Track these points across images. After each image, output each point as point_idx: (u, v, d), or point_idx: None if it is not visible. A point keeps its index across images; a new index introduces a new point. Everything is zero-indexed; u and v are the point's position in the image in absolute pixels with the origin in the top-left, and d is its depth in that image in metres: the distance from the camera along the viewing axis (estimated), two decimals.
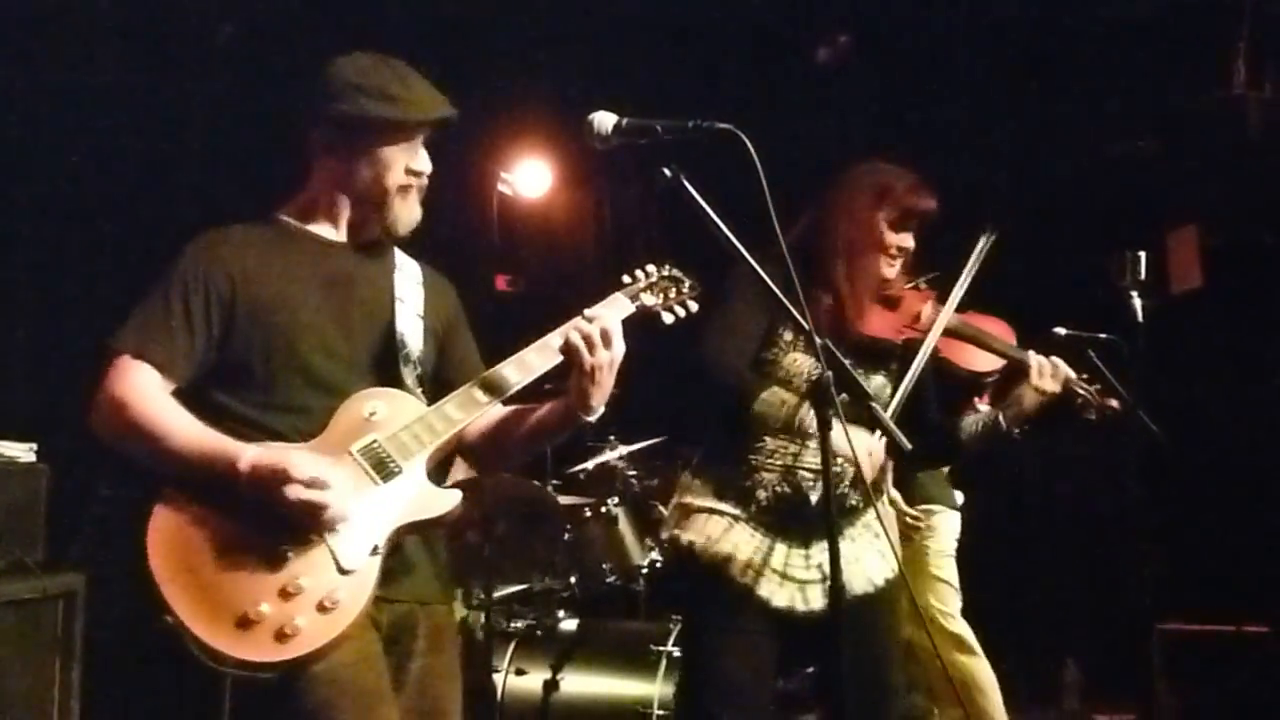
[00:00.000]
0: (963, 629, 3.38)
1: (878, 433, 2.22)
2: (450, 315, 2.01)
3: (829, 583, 2.16)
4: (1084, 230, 4.55)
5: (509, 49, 4.71)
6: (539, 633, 3.46)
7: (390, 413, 1.80)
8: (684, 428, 3.71)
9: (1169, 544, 2.94)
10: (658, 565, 3.72)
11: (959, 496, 3.62)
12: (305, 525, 1.69)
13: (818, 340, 1.77)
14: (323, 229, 1.91)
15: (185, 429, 1.71)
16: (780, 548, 2.28)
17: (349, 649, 1.69)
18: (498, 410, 1.91)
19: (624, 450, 4.00)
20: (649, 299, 1.95)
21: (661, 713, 3.13)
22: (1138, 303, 2.83)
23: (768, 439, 2.30)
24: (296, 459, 1.68)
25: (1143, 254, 2.87)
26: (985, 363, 2.44)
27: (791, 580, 2.27)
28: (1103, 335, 2.73)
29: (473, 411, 1.83)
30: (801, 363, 2.28)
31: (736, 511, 2.29)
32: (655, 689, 3.16)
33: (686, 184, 1.78)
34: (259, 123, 4.04)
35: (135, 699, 3.37)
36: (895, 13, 4.59)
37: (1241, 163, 4.19)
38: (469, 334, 2.04)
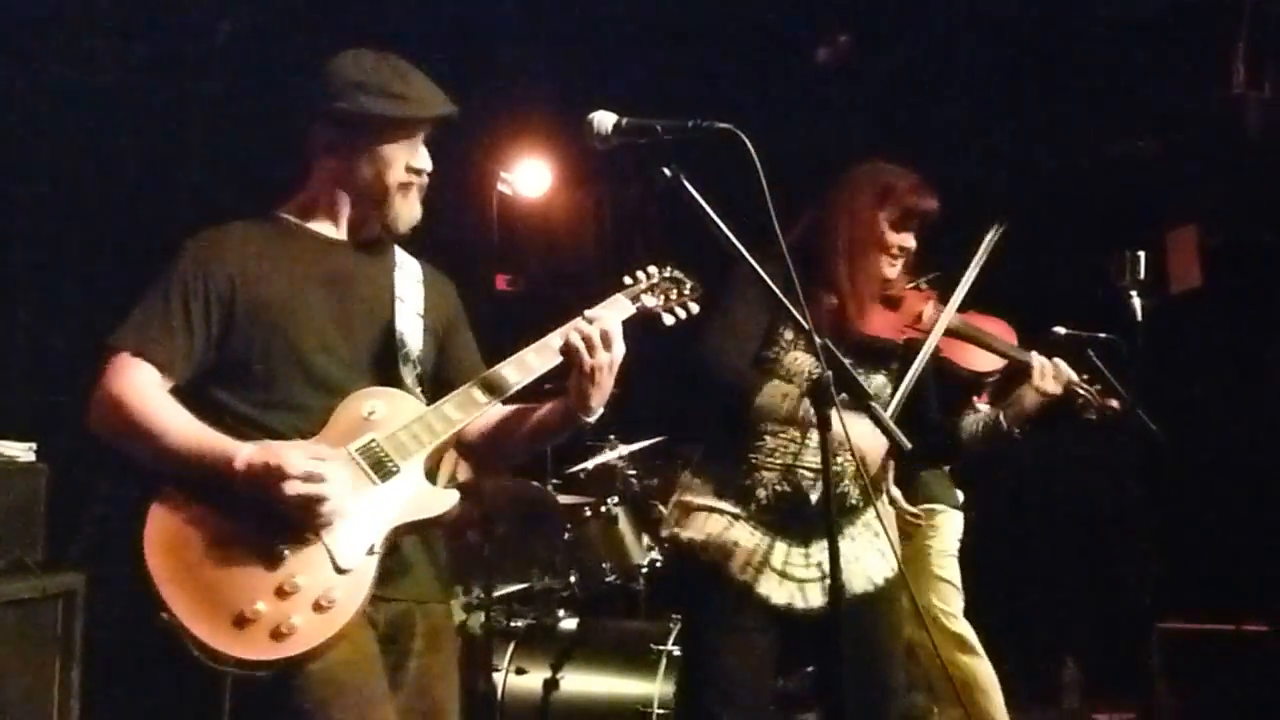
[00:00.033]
0: (965, 629, 3.38)
1: (892, 393, 2.23)
2: (450, 314, 2.01)
3: (828, 581, 2.16)
4: (1083, 230, 4.55)
5: (509, 49, 4.71)
6: (539, 632, 3.46)
7: (389, 412, 1.79)
8: (684, 427, 3.71)
9: (1168, 543, 2.94)
10: (657, 564, 3.72)
11: (959, 496, 3.62)
12: (302, 520, 1.68)
13: (817, 340, 1.77)
14: (323, 227, 1.91)
15: (182, 427, 1.71)
16: (780, 546, 2.28)
17: (346, 648, 1.69)
18: (497, 410, 1.91)
19: (624, 450, 4.01)
20: (650, 300, 1.95)
21: (661, 712, 3.13)
22: (1137, 302, 2.83)
23: (768, 438, 2.30)
24: (292, 454, 1.67)
25: (1142, 254, 2.87)
26: (986, 363, 2.44)
27: (791, 578, 2.27)
28: (1102, 335, 2.73)
29: (472, 412, 1.83)
30: (802, 362, 2.28)
31: (736, 510, 2.29)
32: (655, 688, 3.17)
33: (686, 183, 1.78)
34: (259, 122, 4.05)
35: (135, 699, 3.37)
36: (895, 13, 4.59)
37: (1241, 163, 4.20)
38: (469, 333, 2.04)
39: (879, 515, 2.31)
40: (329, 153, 1.87)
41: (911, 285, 2.45)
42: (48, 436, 3.28)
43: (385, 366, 1.86)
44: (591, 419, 1.85)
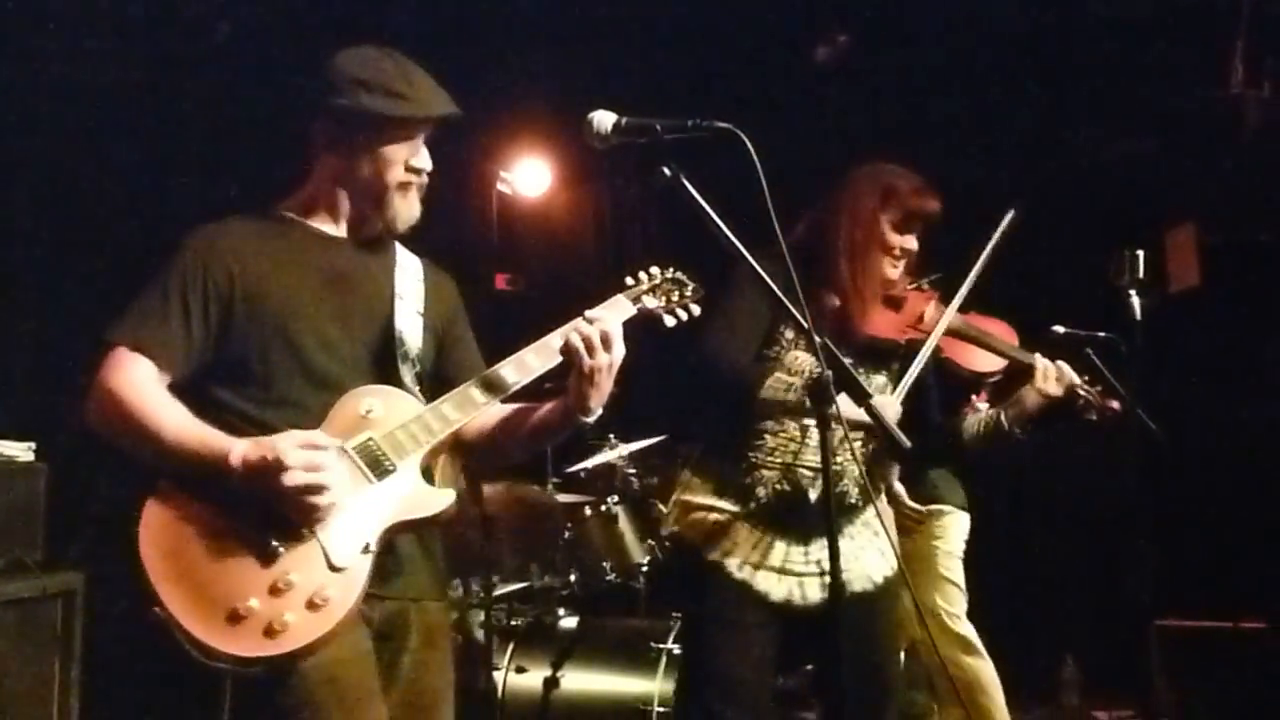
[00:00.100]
0: (968, 630, 3.38)
1: (890, 391, 2.22)
2: (451, 312, 2.01)
3: (827, 579, 2.17)
4: (1082, 229, 4.55)
5: (509, 49, 4.71)
6: (539, 630, 3.46)
7: (386, 411, 1.79)
8: (684, 426, 3.71)
9: (1167, 541, 2.95)
10: (657, 563, 3.73)
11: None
12: (301, 511, 1.68)
13: (817, 339, 1.78)
14: (324, 224, 1.90)
15: (178, 422, 1.71)
16: (779, 545, 2.28)
17: (339, 646, 1.69)
18: (497, 409, 1.91)
19: (624, 449, 4.01)
20: (651, 301, 1.94)
21: (662, 710, 3.13)
22: (1136, 301, 2.83)
23: (768, 436, 2.30)
24: (289, 445, 1.67)
25: (1141, 252, 2.87)
26: (988, 363, 2.45)
27: (790, 573, 2.28)
28: (1101, 334, 2.74)
29: (470, 411, 1.83)
30: (803, 361, 2.29)
31: (736, 509, 2.30)
32: (655, 686, 3.17)
33: (686, 183, 1.78)
34: (258, 122, 4.05)
35: (135, 698, 3.37)
36: (894, 13, 4.59)
37: (1239, 161, 4.20)
38: (469, 332, 2.04)
39: (879, 514, 2.32)
40: (329, 149, 1.87)
41: (913, 286, 2.46)
42: (47, 436, 3.28)
43: (384, 364, 1.86)
44: (590, 419, 1.84)
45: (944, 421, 2.49)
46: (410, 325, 1.90)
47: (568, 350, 1.80)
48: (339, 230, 1.91)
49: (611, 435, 4.04)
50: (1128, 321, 2.82)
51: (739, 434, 2.32)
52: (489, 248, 4.40)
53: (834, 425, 1.81)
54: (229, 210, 1.91)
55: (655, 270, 1.99)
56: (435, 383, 1.93)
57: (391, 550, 1.79)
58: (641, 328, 1.93)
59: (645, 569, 3.74)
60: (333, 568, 1.69)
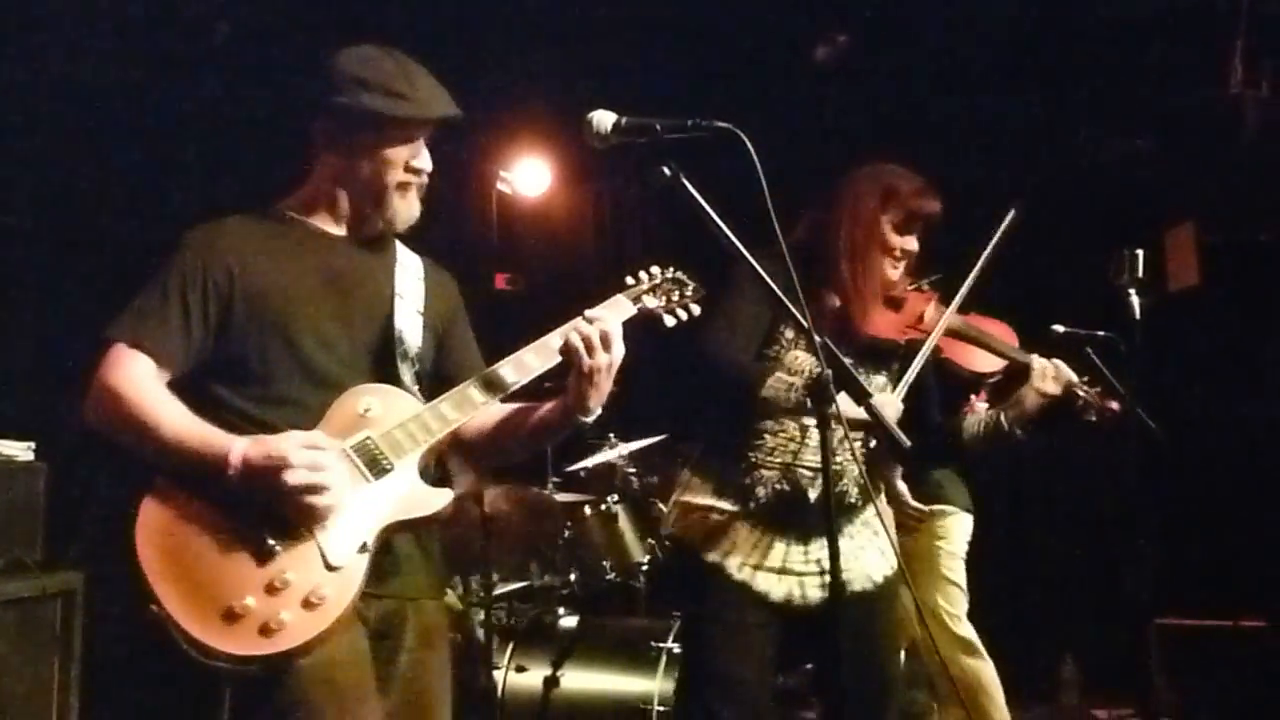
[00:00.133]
0: (969, 632, 3.38)
1: (890, 391, 2.23)
2: (451, 311, 2.01)
3: (827, 578, 2.17)
4: (1082, 228, 4.56)
5: (509, 48, 4.71)
6: (539, 630, 3.46)
7: (385, 410, 1.79)
8: (684, 426, 3.71)
9: (1166, 539, 2.95)
10: (657, 562, 3.73)
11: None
12: (301, 510, 1.68)
13: (817, 338, 1.78)
14: (324, 222, 1.90)
15: (177, 419, 1.71)
16: (779, 545, 2.29)
17: (334, 645, 1.69)
18: (497, 408, 1.91)
19: (624, 448, 4.01)
20: (651, 301, 1.94)
21: (661, 709, 3.13)
22: (1135, 300, 2.83)
23: (767, 436, 2.31)
24: (291, 444, 1.67)
25: (1140, 252, 2.87)
26: (987, 363, 2.45)
27: (790, 573, 2.28)
28: (1100, 333, 2.74)
29: (468, 411, 1.83)
30: (802, 360, 2.29)
31: (736, 509, 2.30)
32: (655, 685, 3.17)
33: (685, 182, 1.78)
34: (258, 121, 4.05)
35: (135, 698, 3.37)
36: (894, 13, 4.60)
37: (1238, 161, 4.20)
38: (469, 330, 2.04)
39: (878, 513, 2.32)
40: (330, 148, 1.87)
41: (913, 286, 2.46)
42: (47, 435, 3.28)
43: (383, 363, 1.86)
44: (589, 419, 1.84)
45: (944, 422, 2.50)
46: (410, 324, 1.90)
47: (567, 350, 1.80)
48: (339, 229, 1.91)
49: (611, 434, 4.04)
50: (1127, 321, 2.82)
51: (739, 434, 2.32)
52: (489, 247, 4.41)
53: (834, 425, 1.81)
54: (229, 209, 1.91)
55: (656, 270, 1.98)
56: (435, 382, 1.93)
57: (389, 549, 1.79)
58: (642, 327, 1.92)
59: (645, 568, 3.75)
60: (329, 567, 1.69)
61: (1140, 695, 3.67)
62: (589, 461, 4.02)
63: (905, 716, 3.40)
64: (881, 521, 2.32)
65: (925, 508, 3.36)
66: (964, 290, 2.44)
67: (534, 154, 5.19)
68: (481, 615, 3.40)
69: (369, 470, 1.75)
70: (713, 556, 2.29)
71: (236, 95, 4.20)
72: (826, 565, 1.92)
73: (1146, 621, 3.36)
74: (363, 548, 1.72)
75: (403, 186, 1.88)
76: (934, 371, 2.43)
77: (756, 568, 2.27)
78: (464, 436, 1.92)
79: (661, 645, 3.24)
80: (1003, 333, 2.50)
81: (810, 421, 2.23)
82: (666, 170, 1.78)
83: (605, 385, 1.81)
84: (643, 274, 1.97)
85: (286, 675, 1.67)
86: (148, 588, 1.64)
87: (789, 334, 2.31)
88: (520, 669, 3.33)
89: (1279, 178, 4.12)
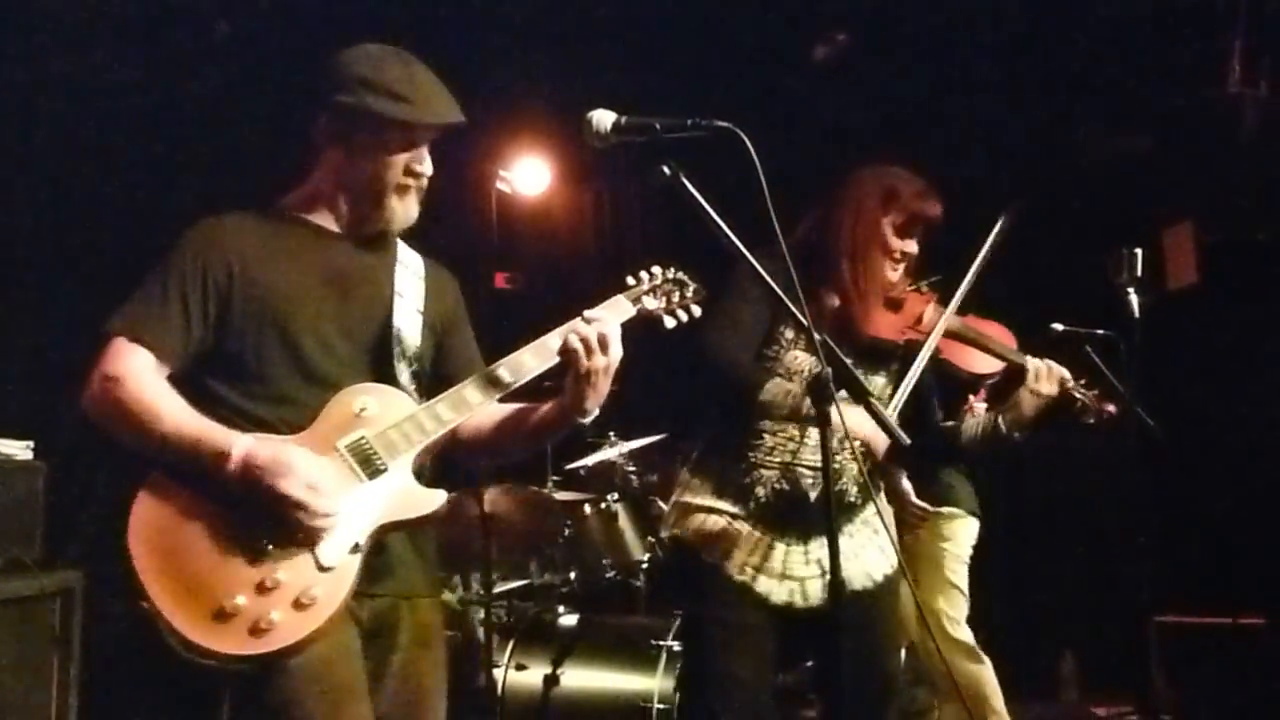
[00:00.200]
0: (967, 636, 3.38)
1: (892, 394, 2.24)
2: (450, 310, 2.00)
3: (828, 577, 2.17)
4: (1081, 227, 4.56)
5: (509, 48, 4.71)
6: (539, 628, 3.46)
7: (380, 409, 1.79)
8: (684, 425, 3.72)
9: (1166, 537, 2.96)
10: (657, 560, 3.73)
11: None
12: (294, 525, 1.68)
13: (817, 337, 1.78)
14: (325, 220, 1.90)
15: (176, 412, 1.70)
16: (779, 545, 2.29)
17: (326, 644, 1.69)
18: (495, 408, 1.91)
19: (624, 447, 4.02)
20: (651, 302, 1.93)
21: (661, 707, 3.14)
22: (1134, 299, 2.84)
23: (767, 436, 2.31)
24: (298, 458, 1.67)
25: (1139, 251, 2.88)
26: (985, 365, 2.46)
27: (791, 576, 2.28)
28: (1099, 331, 2.75)
29: (464, 411, 1.82)
30: (802, 360, 2.29)
31: (735, 509, 2.30)
32: (655, 683, 3.17)
33: (685, 182, 1.78)
34: (258, 120, 4.05)
35: (134, 697, 3.37)
36: (894, 13, 4.60)
37: (1236, 160, 4.21)
38: (469, 330, 2.04)
39: (879, 512, 2.32)
40: (331, 146, 1.87)
41: (913, 287, 2.46)
42: (46, 435, 3.27)
43: (381, 363, 1.86)
44: (587, 420, 1.84)
45: (944, 423, 2.50)
46: (409, 323, 1.90)
47: (565, 351, 1.79)
48: (340, 227, 1.90)
49: (611, 433, 4.05)
50: (1126, 319, 2.83)
51: (738, 433, 2.32)
52: (489, 247, 4.41)
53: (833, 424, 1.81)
54: (230, 207, 1.92)
55: (656, 270, 1.97)
56: (434, 381, 1.93)
57: (382, 549, 1.78)
58: (642, 327, 1.92)
59: (645, 566, 3.75)
60: (321, 567, 1.69)
61: (1140, 692, 3.68)
62: (589, 460, 4.02)
63: (906, 714, 3.40)
64: (882, 520, 2.32)
65: (931, 508, 3.36)
66: (961, 292, 2.45)
67: (534, 153, 5.19)
68: (481, 613, 3.40)
69: (363, 469, 1.74)
70: (712, 559, 2.29)
71: (237, 94, 4.20)
72: (827, 565, 1.92)
73: (1146, 619, 3.37)
74: (355, 548, 1.71)
75: (401, 189, 1.87)
76: (933, 373, 2.43)
77: (757, 570, 2.28)
78: (462, 436, 1.92)
79: (661, 643, 3.24)
80: (1001, 334, 2.51)
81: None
82: (666, 170, 1.78)
83: (603, 387, 1.81)
84: (643, 274, 1.95)
85: (278, 674, 1.67)
86: (138, 584, 1.64)
87: (789, 334, 2.31)
88: (520, 667, 3.33)
89: (1277, 177, 4.12)
